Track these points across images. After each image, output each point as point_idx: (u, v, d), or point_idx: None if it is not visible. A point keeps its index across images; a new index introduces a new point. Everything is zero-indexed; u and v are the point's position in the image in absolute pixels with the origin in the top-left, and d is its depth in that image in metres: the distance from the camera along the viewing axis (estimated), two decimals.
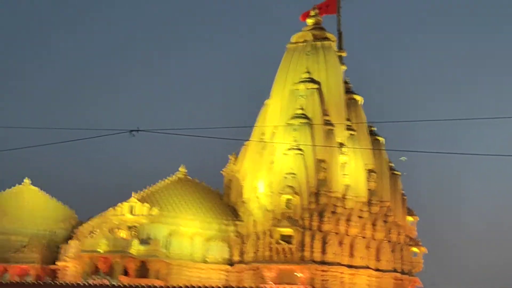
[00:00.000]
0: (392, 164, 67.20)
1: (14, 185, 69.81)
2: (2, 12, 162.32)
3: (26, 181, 70.17)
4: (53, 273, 63.01)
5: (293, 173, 58.12)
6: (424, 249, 64.83)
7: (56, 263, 62.80)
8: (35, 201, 68.35)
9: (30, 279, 61.87)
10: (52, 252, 64.11)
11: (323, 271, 56.18)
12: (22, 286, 59.15)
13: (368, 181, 62.43)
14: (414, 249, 64.66)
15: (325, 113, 62.59)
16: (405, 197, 67.34)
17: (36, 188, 70.00)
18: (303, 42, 67.13)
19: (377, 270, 59.19)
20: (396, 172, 66.79)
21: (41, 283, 58.92)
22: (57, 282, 57.74)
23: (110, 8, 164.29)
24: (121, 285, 53.37)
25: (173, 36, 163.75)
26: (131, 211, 58.36)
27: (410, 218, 67.29)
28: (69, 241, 62.79)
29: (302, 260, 55.89)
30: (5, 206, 66.15)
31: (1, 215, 64.17)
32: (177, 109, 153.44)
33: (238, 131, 71.07)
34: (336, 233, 58.13)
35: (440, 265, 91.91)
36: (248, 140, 65.84)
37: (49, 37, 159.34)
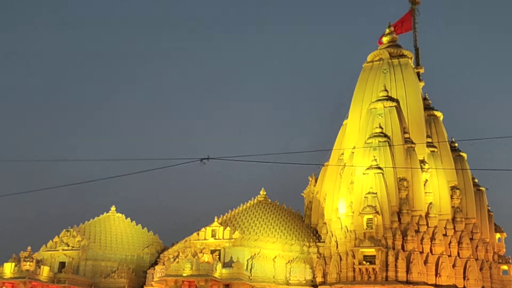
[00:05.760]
0: (477, 180, 65.55)
1: (101, 213, 72.15)
2: (88, 47, 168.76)
3: (113, 209, 72.31)
4: None
5: (374, 193, 57.29)
6: None
7: (143, 287, 64.14)
8: (122, 227, 70.23)
9: None
10: (139, 277, 65.72)
11: None
12: None
13: (451, 198, 61.11)
14: (504, 266, 62.73)
15: (404, 130, 61.77)
16: (491, 213, 65.44)
17: (122, 216, 72.06)
18: (379, 60, 66.73)
19: None
20: (481, 188, 65.06)
21: None
22: None
23: (185, 51, 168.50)
24: None
25: (247, 63, 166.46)
26: (213, 235, 59.12)
27: (498, 235, 65.35)
28: (155, 266, 64.06)
29: (387, 280, 54.92)
30: (94, 233, 68.21)
31: (91, 242, 65.98)
32: (259, 134, 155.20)
33: (318, 151, 71.11)
34: (421, 252, 57.01)
35: None
36: (327, 161, 65.80)
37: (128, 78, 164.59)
